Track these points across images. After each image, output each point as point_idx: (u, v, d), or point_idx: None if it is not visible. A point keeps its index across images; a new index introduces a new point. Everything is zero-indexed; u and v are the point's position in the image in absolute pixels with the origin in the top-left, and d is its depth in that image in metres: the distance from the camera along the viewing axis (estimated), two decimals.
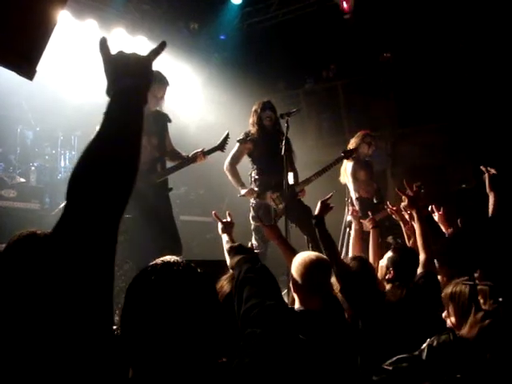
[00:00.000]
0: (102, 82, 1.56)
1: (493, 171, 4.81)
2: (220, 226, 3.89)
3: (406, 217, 5.24)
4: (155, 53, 1.64)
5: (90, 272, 1.23)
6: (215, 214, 4.06)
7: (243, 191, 6.54)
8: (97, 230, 1.27)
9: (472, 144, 10.30)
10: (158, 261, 1.63)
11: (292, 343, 1.84)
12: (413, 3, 10.62)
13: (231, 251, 2.71)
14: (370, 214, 5.62)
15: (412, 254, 4.18)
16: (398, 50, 11.53)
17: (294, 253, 3.73)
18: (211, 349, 1.56)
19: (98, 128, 1.42)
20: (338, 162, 6.89)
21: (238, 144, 6.72)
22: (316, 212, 4.17)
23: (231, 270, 2.90)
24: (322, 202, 4.22)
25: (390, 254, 4.17)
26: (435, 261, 4.18)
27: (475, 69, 10.29)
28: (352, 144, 7.37)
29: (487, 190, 4.72)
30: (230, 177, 6.70)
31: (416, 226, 4.43)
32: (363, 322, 3.60)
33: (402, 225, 5.41)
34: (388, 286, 4.01)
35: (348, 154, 6.94)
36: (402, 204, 4.87)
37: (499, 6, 9.67)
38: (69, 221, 1.27)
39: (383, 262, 4.17)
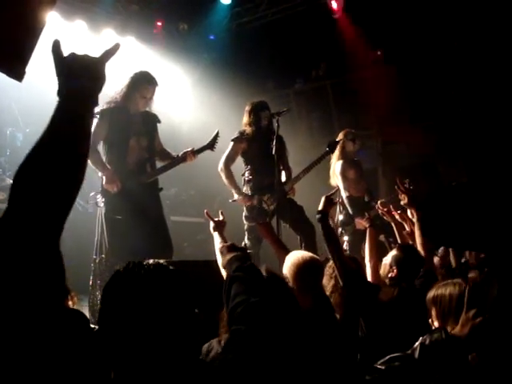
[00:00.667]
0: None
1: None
2: (212, 224, 3.90)
3: (397, 217, 5.26)
4: (108, 54, 1.60)
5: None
6: (207, 212, 4.06)
7: (236, 196, 6.52)
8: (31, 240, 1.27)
9: (462, 142, 10.34)
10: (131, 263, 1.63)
11: (276, 340, 1.85)
12: (402, 1, 10.63)
13: (223, 250, 2.73)
14: (367, 214, 5.61)
15: (416, 253, 4.17)
16: (388, 49, 11.54)
17: (286, 251, 3.74)
18: (190, 346, 1.55)
19: (42, 131, 1.42)
20: (325, 156, 6.84)
21: (232, 143, 6.63)
22: (320, 207, 4.06)
23: (222, 269, 2.90)
24: (326, 197, 4.11)
25: (394, 252, 4.17)
26: None
27: (465, 67, 10.31)
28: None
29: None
30: (224, 178, 6.61)
31: (416, 224, 4.46)
32: (364, 320, 3.59)
33: (393, 225, 5.42)
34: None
35: (332, 147, 6.90)
36: (402, 202, 4.87)
37: (493, 5, 9.70)
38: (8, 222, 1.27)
39: (387, 260, 4.17)
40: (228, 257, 2.45)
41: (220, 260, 3.54)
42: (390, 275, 4.04)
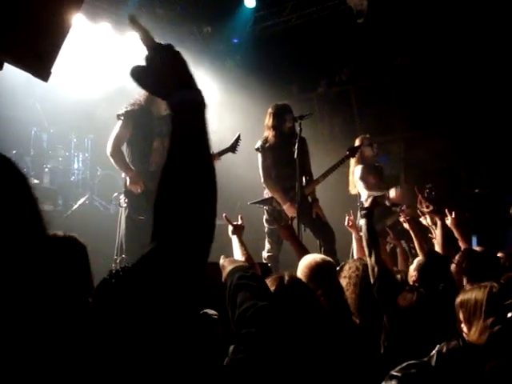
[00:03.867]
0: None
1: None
2: (230, 228, 3.95)
3: (427, 221, 5.26)
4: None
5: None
6: (226, 216, 4.09)
7: (286, 205, 6.39)
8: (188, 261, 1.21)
9: (485, 148, 10.26)
10: None
11: (287, 342, 1.85)
12: (427, 8, 10.58)
13: (225, 263, 2.73)
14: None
15: (439, 259, 4.17)
16: (411, 55, 11.49)
17: (307, 254, 3.76)
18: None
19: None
20: (344, 161, 6.80)
21: (260, 154, 6.58)
22: (367, 205, 4.27)
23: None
24: (374, 197, 4.38)
25: (419, 257, 4.20)
26: None
27: (488, 72, 10.24)
28: None
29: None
30: (271, 190, 6.53)
31: (439, 231, 4.47)
32: (391, 322, 3.57)
33: (411, 232, 5.41)
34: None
35: (352, 152, 6.88)
36: (426, 209, 4.91)
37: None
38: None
39: (412, 266, 4.19)
40: (229, 268, 2.46)
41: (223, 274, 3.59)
42: (412, 279, 4.05)
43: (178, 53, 1.35)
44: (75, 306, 1.13)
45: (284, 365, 1.75)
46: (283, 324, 1.90)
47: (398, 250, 5.26)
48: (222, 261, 2.87)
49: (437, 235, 4.63)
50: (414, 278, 4.03)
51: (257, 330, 1.77)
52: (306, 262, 3.30)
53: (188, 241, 1.21)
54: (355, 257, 4.92)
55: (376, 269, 3.72)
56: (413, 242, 6.29)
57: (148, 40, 1.34)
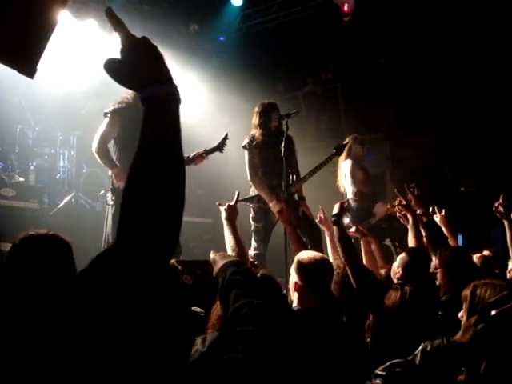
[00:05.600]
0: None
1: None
2: (223, 213, 3.93)
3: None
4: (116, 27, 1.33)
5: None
6: (219, 203, 4.07)
7: (273, 203, 6.39)
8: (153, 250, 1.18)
9: (471, 146, 10.32)
10: None
11: (284, 340, 1.85)
12: (413, 7, 10.63)
13: (216, 258, 2.71)
14: (353, 226, 5.57)
15: (422, 255, 4.19)
16: (398, 53, 11.54)
17: (303, 243, 3.77)
18: None
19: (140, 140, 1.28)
20: (331, 158, 6.78)
21: (246, 152, 6.59)
22: (335, 211, 4.24)
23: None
24: (340, 203, 4.31)
25: (402, 254, 4.20)
26: None
27: (474, 72, 10.30)
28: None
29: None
30: (256, 187, 6.55)
31: (411, 229, 4.51)
32: (377, 320, 3.59)
33: (409, 227, 5.41)
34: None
35: (339, 150, 6.88)
36: (397, 202, 4.95)
37: (501, 12, 9.69)
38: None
39: (396, 263, 4.19)
40: (221, 263, 2.44)
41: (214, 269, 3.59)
42: (396, 276, 4.06)
43: (153, 46, 1.32)
44: (58, 303, 1.13)
45: (279, 362, 1.76)
46: (278, 323, 1.90)
47: (373, 246, 5.23)
48: (212, 255, 2.86)
49: (409, 233, 4.66)
50: (398, 275, 4.04)
51: (253, 328, 1.77)
52: (302, 258, 3.28)
53: (149, 239, 1.17)
54: (329, 253, 4.90)
55: (354, 272, 3.74)
56: (397, 241, 6.32)
57: (123, 33, 1.32)
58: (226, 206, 3.96)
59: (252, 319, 1.82)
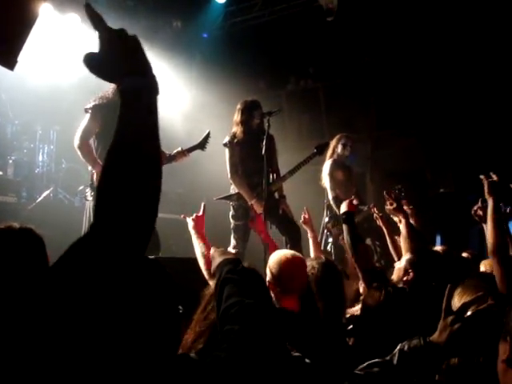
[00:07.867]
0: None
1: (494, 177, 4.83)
2: (190, 223, 3.93)
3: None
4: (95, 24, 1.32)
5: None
6: (184, 216, 4.09)
7: (253, 201, 6.35)
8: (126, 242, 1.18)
9: (451, 148, 10.40)
10: None
11: (270, 341, 1.85)
12: (395, 8, 10.67)
13: (215, 255, 2.71)
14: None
15: (433, 255, 4.19)
16: (380, 54, 11.58)
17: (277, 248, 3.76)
18: None
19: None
20: (312, 158, 6.76)
21: (227, 150, 6.56)
22: (344, 209, 4.17)
23: (205, 271, 2.89)
24: (349, 200, 4.25)
25: (408, 255, 4.17)
26: None
27: (455, 74, 10.38)
28: (330, 146, 7.41)
29: (486, 195, 4.73)
30: (236, 185, 6.53)
31: (403, 228, 4.51)
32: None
33: (384, 229, 5.44)
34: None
35: (320, 149, 6.87)
36: (387, 208, 4.94)
37: (483, 14, 9.77)
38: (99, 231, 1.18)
39: (400, 264, 4.15)
40: (218, 260, 2.44)
41: (202, 261, 3.57)
42: (404, 278, 3.99)
43: (131, 37, 1.31)
44: (28, 296, 1.12)
45: (265, 363, 1.75)
46: (265, 323, 1.89)
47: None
48: (212, 251, 2.85)
49: (402, 233, 4.68)
50: (408, 278, 3.97)
51: (240, 327, 1.76)
52: (276, 257, 3.28)
53: (124, 226, 1.17)
54: (312, 255, 4.88)
55: (364, 274, 3.72)
56: (378, 240, 6.35)
57: (100, 25, 1.31)
58: (193, 217, 3.95)
59: (240, 318, 1.82)
